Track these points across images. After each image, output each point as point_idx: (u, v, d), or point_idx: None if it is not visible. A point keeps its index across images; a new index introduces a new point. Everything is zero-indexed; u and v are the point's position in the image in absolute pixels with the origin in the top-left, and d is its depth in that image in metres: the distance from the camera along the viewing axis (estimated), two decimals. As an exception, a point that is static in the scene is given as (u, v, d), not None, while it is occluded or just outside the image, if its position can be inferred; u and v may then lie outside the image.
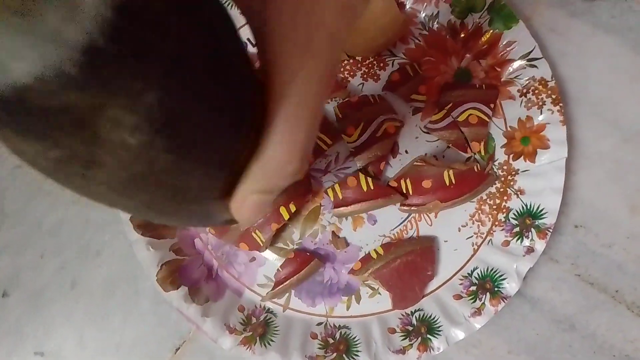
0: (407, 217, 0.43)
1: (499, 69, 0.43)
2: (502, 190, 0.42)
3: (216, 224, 0.21)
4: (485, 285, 0.40)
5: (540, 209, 0.40)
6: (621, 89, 0.44)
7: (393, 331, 0.40)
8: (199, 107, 0.14)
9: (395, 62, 0.45)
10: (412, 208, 0.42)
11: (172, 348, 0.43)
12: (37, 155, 0.13)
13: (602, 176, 0.43)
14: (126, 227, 0.40)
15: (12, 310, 0.43)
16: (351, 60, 0.45)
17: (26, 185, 0.44)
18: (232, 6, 0.40)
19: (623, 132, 0.43)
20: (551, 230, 0.40)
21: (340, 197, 0.41)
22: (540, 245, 0.40)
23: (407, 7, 0.45)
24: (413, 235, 0.42)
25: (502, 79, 0.43)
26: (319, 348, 0.40)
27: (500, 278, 0.40)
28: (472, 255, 0.42)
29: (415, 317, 0.41)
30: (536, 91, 0.42)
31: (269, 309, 0.42)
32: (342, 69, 0.44)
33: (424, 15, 0.45)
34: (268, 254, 0.42)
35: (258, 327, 0.41)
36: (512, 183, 0.42)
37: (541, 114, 0.42)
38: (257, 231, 0.41)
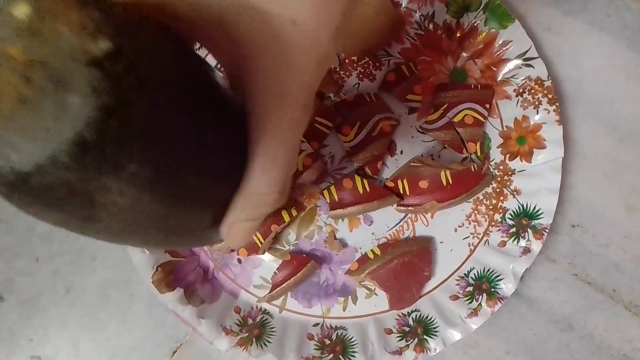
0: (404, 218, 0.42)
1: (494, 69, 0.43)
2: (498, 190, 0.42)
3: (209, 244, 0.23)
4: (482, 286, 0.40)
5: (536, 209, 0.40)
6: (617, 87, 0.43)
7: (390, 332, 0.40)
8: (180, 168, 0.16)
9: (391, 61, 0.44)
10: (409, 208, 0.42)
11: (169, 351, 0.42)
12: (40, 215, 0.16)
13: (599, 176, 0.43)
14: (121, 229, 0.40)
15: (7, 315, 0.43)
16: (347, 60, 0.44)
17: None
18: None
19: (619, 131, 0.43)
20: (547, 231, 0.40)
21: (336, 199, 0.41)
22: (536, 245, 0.40)
23: (403, 6, 0.44)
24: (409, 235, 0.42)
25: (498, 79, 0.43)
26: (316, 349, 0.40)
27: (497, 279, 0.40)
28: (469, 256, 0.42)
29: (412, 317, 0.41)
30: (532, 91, 0.42)
31: (265, 310, 0.42)
32: (338, 69, 0.44)
33: (419, 14, 0.44)
34: (264, 255, 0.42)
35: (254, 329, 0.41)
36: (508, 183, 0.42)
37: (537, 113, 0.41)
38: (257, 233, 0.41)
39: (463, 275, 0.41)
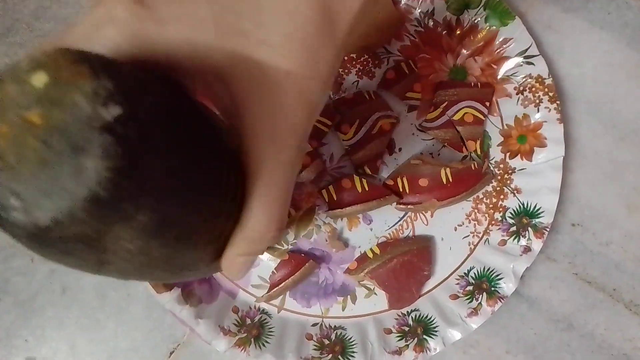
0: (403, 217, 0.42)
1: (495, 66, 0.43)
2: (498, 189, 0.42)
3: (211, 274, 0.25)
4: (482, 285, 0.40)
5: (537, 208, 0.40)
6: (617, 86, 0.43)
7: (389, 332, 0.40)
8: (184, 214, 0.18)
9: (390, 59, 0.44)
10: (409, 207, 0.41)
11: (167, 352, 0.42)
12: (57, 260, 0.17)
13: (599, 175, 0.42)
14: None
15: (3, 315, 0.42)
16: (346, 58, 0.44)
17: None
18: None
19: (619, 130, 0.43)
20: (548, 230, 0.39)
21: (335, 199, 0.41)
22: (537, 244, 0.39)
23: (402, 3, 0.44)
24: (409, 234, 0.42)
25: (498, 77, 0.43)
26: (315, 349, 0.40)
27: (497, 278, 0.40)
28: (469, 255, 0.41)
29: (412, 317, 0.40)
30: (533, 89, 0.41)
31: (263, 310, 0.42)
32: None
33: (419, 11, 0.44)
34: (262, 255, 0.42)
35: (253, 329, 0.40)
36: (508, 182, 0.42)
37: (538, 112, 0.41)
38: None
39: (463, 275, 0.41)
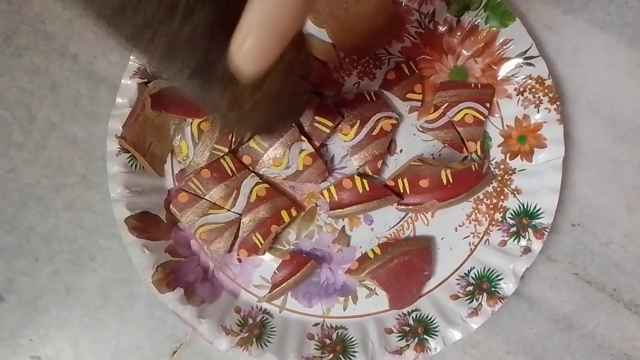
0: (404, 217, 0.42)
1: (495, 67, 0.43)
2: (499, 189, 0.42)
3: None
4: (482, 285, 0.40)
5: (537, 208, 0.40)
6: (617, 86, 0.43)
7: (390, 331, 0.40)
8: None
9: (391, 60, 0.44)
10: (409, 207, 0.42)
11: (169, 351, 0.42)
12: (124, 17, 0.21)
13: (599, 174, 0.42)
14: (121, 230, 0.40)
15: (8, 315, 0.43)
16: (347, 59, 0.44)
17: (18, 191, 0.44)
18: None
19: (619, 129, 0.43)
20: (548, 230, 0.40)
21: (336, 199, 0.41)
22: (537, 245, 0.40)
23: (403, 4, 0.44)
24: (410, 235, 0.42)
25: (498, 78, 0.43)
26: (316, 349, 0.40)
27: (497, 278, 0.40)
28: (469, 255, 0.42)
29: (412, 317, 0.41)
30: (533, 90, 0.41)
31: (265, 309, 0.42)
32: (338, 68, 0.44)
33: (419, 13, 0.44)
34: (264, 255, 0.42)
35: (254, 329, 0.41)
36: (509, 182, 0.42)
37: (538, 112, 0.41)
38: (257, 234, 0.41)
39: (463, 275, 0.41)
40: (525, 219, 0.41)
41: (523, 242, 0.40)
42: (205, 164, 0.42)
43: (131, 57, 0.42)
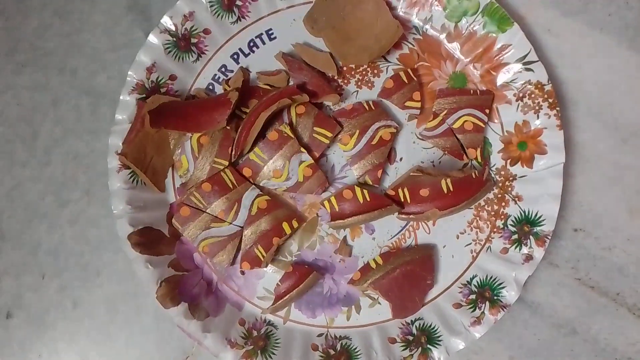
0: (405, 226, 0.42)
1: (494, 73, 0.43)
2: (499, 196, 0.42)
3: None
4: (485, 293, 0.40)
5: (538, 215, 0.40)
6: (618, 88, 0.43)
7: (393, 341, 0.41)
8: None
9: (389, 68, 0.44)
10: (410, 216, 0.42)
11: (176, 362, 0.43)
12: None
13: (601, 178, 0.42)
14: (124, 246, 0.40)
15: (16, 331, 0.44)
16: (345, 68, 0.44)
17: (23, 208, 0.45)
18: None
19: (621, 133, 0.42)
20: (550, 238, 0.40)
21: (337, 209, 0.41)
22: (538, 253, 0.39)
23: (400, 11, 0.44)
24: (411, 243, 0.42)
25: (497, 83, 0.42)
26: (321, 360, 0.40)
27: (500, 286, 0.40)
28: (471, 263, 0.42)
29: (415, 326, 0.41)
30: (532, 95, 0.41)
31: (269, 321, 0.42)
32: (336, 77, 0.44)
33: (417, 19, 0.44)
34: (267, 267, 0.42)
35: (259, 341, 0.41)
36: (509, 189, 0.42)
37: (538, 118, 0.41)
38: (259, 246, 0.41)
39: (466, 283, 0.41)
40: (526, 226, 0.41)
41: (525, 250, 0.40)
42: (205, 177, 0.42)
43: (129, 73, 0.43)
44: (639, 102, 0.42)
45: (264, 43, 0.45)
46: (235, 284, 0.43)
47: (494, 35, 0.42)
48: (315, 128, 0.42)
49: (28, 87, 0.46)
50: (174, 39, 0.43)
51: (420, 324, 0.41)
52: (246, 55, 0.45)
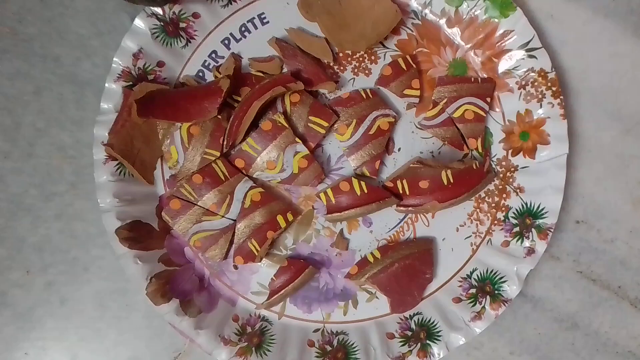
0: (404, 218, 0.41)
1: (495, 60, 0.41)
2: (501, 187, 0.41)
3: None
4: (485, 288, 0.39)
5: (540, 208, 0.39)
6: (623, 76, 0.42)
7: (392, 336, 0.40)
8: None
9: (387, 55, 0.42)
10: (409, 209, 0.40)
11: (168, 360, 0.42)
12: None
13: (604, 170, 0.41)
14: (112, 241, 0.39)
15: (1, 329, 0.42)
16: (341, 54, 0.42)
17: (6, 201, 0.43)
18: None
19: (624, 122, 0.41)
20: (552, 231, 0.39)
21: (334, 202, 0.40)
22: (541, 246, 0.39)
23: (398, -5, 0.42)
24: (410, 236, 0.41)
25: (499, 71, 0.41)
26: (317, 357, 0.39)
27: (501, 280, 0.39)
28: (471, 256, 0.41)
29: (414, 321, 0.40)
30: (535, 83, 0.40)
31: (264, 317, 0.41)
32: (332, 63, 0.42)
33: (416, 3, 0.42)
34: (261, 262, 0.41)
35: (254, 337, 0.40)
36: (511, 180, 0.41)
37: (541, 107, 0.40)
38: (253, 240, 0.40)
39: (465, 277, 0.40)
40: (528, 218, 0.40)
41: (527, 243, 0.39)
42: (196, 169, 0.41)
43: (115, 59, 0.41)
44: (644, 91, 0.41)
45: (256, 28, 0.43)
46: (229, 279, 0.41)
47: (496, 20, 0.40)
48: (310, 117, 0.41)
49: (8, 75, 0.44)
50: (162, 24, 0.41)
51: (419, 319, 0.40)
52: (237, 41, 0.43)
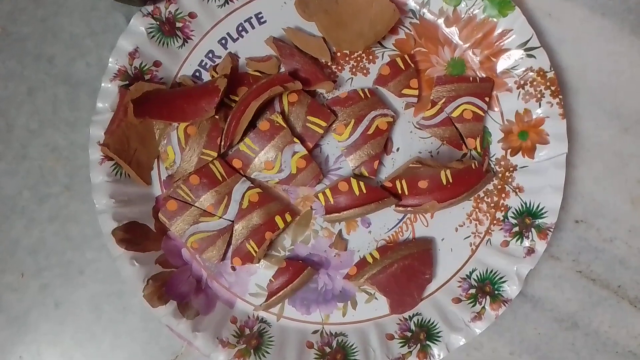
0: (403, 219, 0.41)
1: (494, 59, 0.41)
2: (500, 187, 0.41)
3: None
4: (485, 288, 0.39)
5: (540, 207, 0.39)
6: (620, 75, 0.42)
7: (391, 337, 0.39)
8: None
9: (385, 54, 0.42)
10: (408, 209, 0.40)
11: (165, 363, 0.41)
12: None
13: (603, 168, 0.41)
14: (108, 243, 0.38)
15: (-5, 333, 0.41)
16: (339, 54, 0.42)
17: (-1, 204, 0.42)
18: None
19: (623, 121, 0.41)
20: (552, 230, 0.38)
21: (332, 202, 0.39)
22: (540, 246, 0.38)
23: (396, -6, 0.42)
24: (409, 237, 0.41)
25: (497, 70, 0.41)
26: (316, 358, 0.39)
27: (500, 280, 0.39)
28: (470, 256, 0.40)
29: (414, 321, 0.40)
30: (534, 82, 0.40)
31: (262, 318, 0.41)
32: (329, 63, 0.42)
33: (413, 2, 0.42)
34: (259, 263, 0.41)
35: (252, 339, 0.39)
36: (510, 180, 0.41)
37: (540, 106, 0.40)
38: (251, 242, 0.39)
39: (465, 277, 0.40)
40: (527, 218, 0.39)
41: (526, 243, 0.39)
42: (193, 169, 0.40)
43: (110, 59, 0.40)
44: (642, 89, 0.41)
45: (253, 27, 0.42)
46: (226, 281, 0.41)
47: (494, 19, 0.40)
48: (308, 117, 0.40)
49: (1, 75, 0.43)
50: (158, 23, 0.41)
51: (418, 320, 0.40)
52: (234, 40, 0.42)
